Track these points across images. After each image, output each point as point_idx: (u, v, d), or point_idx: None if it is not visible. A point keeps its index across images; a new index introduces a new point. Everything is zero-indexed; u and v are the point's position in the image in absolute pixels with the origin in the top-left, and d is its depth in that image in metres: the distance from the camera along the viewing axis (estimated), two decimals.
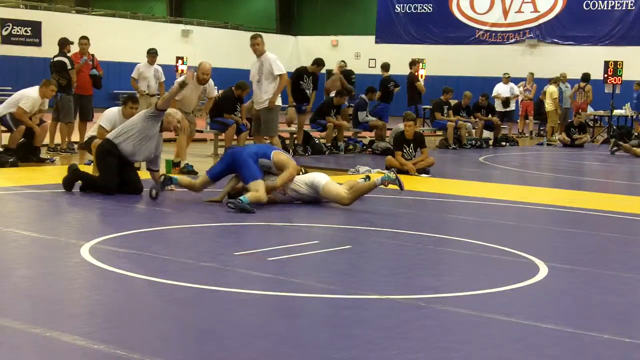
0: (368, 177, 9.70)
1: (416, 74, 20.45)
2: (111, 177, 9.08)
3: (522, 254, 6.61)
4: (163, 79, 16.10)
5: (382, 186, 8.89)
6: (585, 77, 23.86)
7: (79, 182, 9.23)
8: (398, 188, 8.83)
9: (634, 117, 24.14)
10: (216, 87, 13.46)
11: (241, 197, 8.28)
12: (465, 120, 19.18)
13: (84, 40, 14.16)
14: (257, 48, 12.16)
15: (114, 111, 10.85)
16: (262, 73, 12.13)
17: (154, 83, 15.90)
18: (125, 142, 9.10)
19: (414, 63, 20.28)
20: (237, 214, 8.15)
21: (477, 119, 19.81)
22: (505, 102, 22.66)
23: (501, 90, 22.91)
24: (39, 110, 12.30)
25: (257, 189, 8.46)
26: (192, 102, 11.92)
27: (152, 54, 15.93)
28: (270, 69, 12.07)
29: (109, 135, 9.45)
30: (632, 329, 4.74)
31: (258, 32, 12.93)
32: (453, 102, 19.51)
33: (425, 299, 5.12)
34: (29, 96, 12.17)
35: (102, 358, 3.87)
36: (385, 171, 12.45)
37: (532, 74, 24.43)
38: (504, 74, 23.38)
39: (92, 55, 14.48)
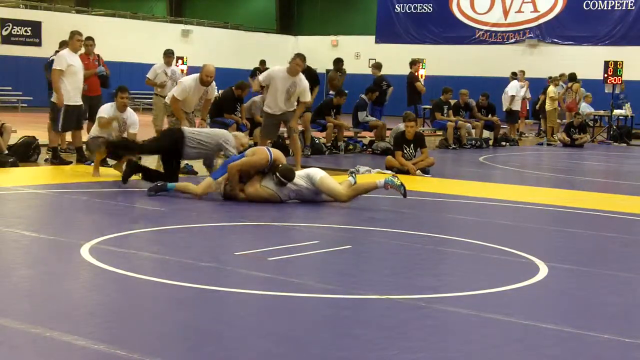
0: (353, 173, 9.54)
1: (416, 74, 20.44)
2: (174, 168, 9.83)
3: (522, 254, 6.61)
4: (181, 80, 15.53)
5: (383, 188, 8.88)
6: (572, 77, 23.85)
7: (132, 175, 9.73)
8: (401, 193, 8.80)
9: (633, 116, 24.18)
10: (216, 88, 13.25)
11: (169, 184, 9.06)
12: (465, 121, 19.18)
13: (90, 42, 13.90)
14: (299, 69, 11.79)
15: (108, 106, 10.99)
16: (293, 93, 11.82)
17: (170, 85, 14.61)
18: (192, 147, 9.70)
19: (414, 63, 20.26)
20: (237, 214, 8.18)
21: (476, 119, 19.75)
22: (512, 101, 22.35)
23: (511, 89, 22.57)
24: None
25: (201, 183, 9.12)
26: (194, 103, 11.88)
27: (168, 54, 15.21)
28: (303, 94, 11.88)
29: (185, 128, 10.07)
30: (632, 329, 4.73)
31: (302, 53, 12.45)
32: (453, 102, 19.50)
33: (425, 299, 5.12)
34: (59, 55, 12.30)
35: (102, 358, 3.87)
36: (388, 171, 12.48)
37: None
38: (513, 72, 23.17)
39: (98, 55, 14.36)
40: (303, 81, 11.89)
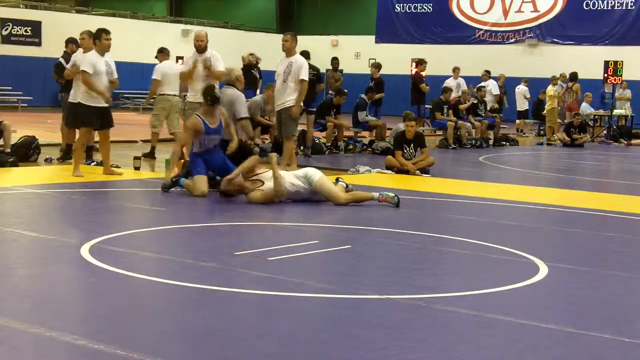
0: (338, 179, 9.58)
1: (421, 74, 20.43)
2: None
3: (522, 254, 6.61)
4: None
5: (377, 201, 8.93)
6: (573, 76, 23.84)
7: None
8: (394, 203, 8.84)
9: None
10: (222, 63, 12.49)
11: (182, 180, 9.22)
12: (465, 120, 19.18)
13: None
14: (286, 45, 11.76)
15: (91, 54, 10.90)
16: (289, 74, 11.64)
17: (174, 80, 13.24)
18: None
19: (420, 63, 20.25)
20: (237, 214, 8.17)
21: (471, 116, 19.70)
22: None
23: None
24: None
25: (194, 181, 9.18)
26: (200, 75, 11.35)
27: (163, 52, 13.86)
28: (298, 72, 11.65)
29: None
30: (632, 329, 4.74)
31: (290, 32, 12.42)
32: (453, 102, 19.49)
33: (425, 299, 5.12)
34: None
35: (102, 358, 3.87)
36: (389, 171, 12.48)
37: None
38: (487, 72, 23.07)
39: None
40: (299, 59, 11.84)
